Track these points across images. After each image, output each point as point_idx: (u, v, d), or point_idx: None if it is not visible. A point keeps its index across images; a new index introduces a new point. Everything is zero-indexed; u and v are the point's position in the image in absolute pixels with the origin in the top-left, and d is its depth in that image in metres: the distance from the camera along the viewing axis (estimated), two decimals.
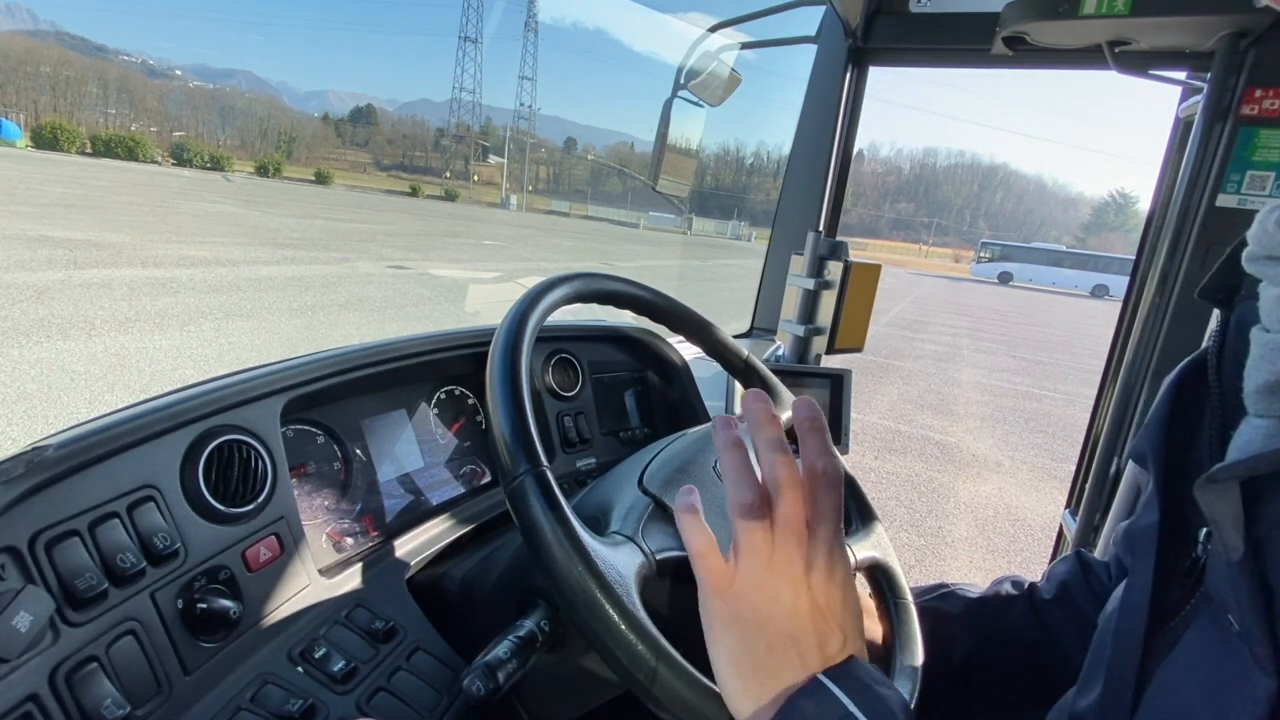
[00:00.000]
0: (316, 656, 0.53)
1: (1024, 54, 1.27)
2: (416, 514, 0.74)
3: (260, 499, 0.56)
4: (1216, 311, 0.50)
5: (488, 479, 0.84)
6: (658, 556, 0.48)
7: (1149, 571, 0.46)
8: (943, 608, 0.71)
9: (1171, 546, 0.46)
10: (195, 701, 0.48)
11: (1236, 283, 0.46)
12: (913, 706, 0.57)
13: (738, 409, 1.17)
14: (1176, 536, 0.45)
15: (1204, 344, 0.49)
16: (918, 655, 0.62)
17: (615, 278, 0.69)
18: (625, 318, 0.85)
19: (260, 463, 0.56)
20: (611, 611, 0.41)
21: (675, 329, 0.76)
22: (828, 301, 1.44)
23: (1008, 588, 0.72)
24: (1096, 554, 1.19)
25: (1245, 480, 0.35)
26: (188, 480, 0.51)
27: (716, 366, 0.79)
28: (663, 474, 0.55)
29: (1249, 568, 0.35)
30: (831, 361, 1.47)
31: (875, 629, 0.68)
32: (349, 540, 0.67)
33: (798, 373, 1.31)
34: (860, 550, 0.66)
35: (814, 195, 1.61)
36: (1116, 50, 1.18)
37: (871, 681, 0.40)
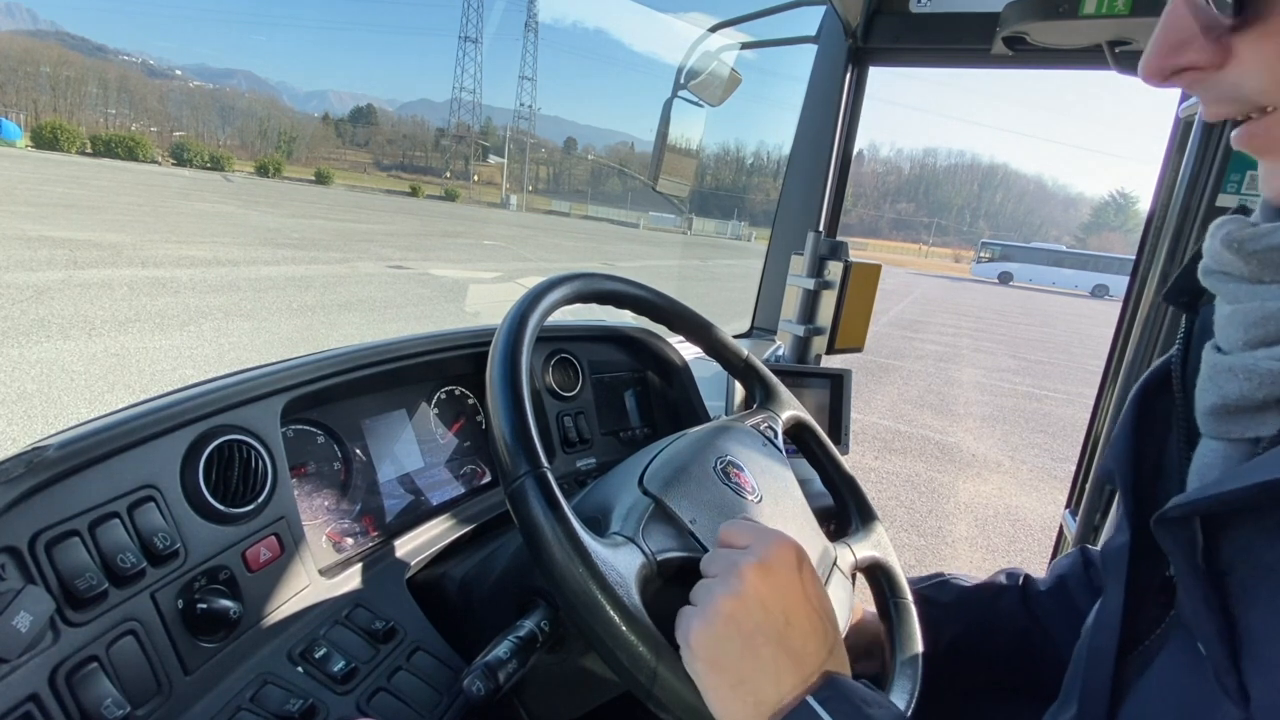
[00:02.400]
0: (316, 656, 0.53)
1: (1024, 54, 1.27)
2: (416, 514, 0.74)
3: (260, 499, 0.56)
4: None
5: (488, 479, 0.84)
6: (658, 557, 0.48)
7: (1120, 592, 0.45)
8: (935, 595, 0.72)
9: (1143, 566, 0.45)
10: (195, 701, 0.48)
11: (1202, 287, 0.45)
12: (913, 708, 0.57)
13: (738, 408, 1.17)
14: (1149, 555, 0.44)
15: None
16: (916, 656, 0.62)
17: (615, 278, 0.69)
18: (625, 318, 0.85)
19: (260, 463, 0.56)
20: (612, 612, 0.41)
21: (675, 329, 0.76)
22: (828, 301, 1.44)
23: (1002, 578, 0.73)
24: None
25: (1208, 513, 0.34)
26: (188, 480, 0.51)
27: (716, 366, 0.79)
28: (663, 474, 0.55)
29: (1212, 599, 0.34)
30: (831, 361, 1.47)
31: (875, 629, 0.68)
32: (349, 540, 0.67)
33: (798, 373, 1.30)
34: (860, 550, 0.66)
35: (814, 195, 1.61)
36: (1117, 50, 1.18)
37: (861, 703, 0.40)
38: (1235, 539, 0.34)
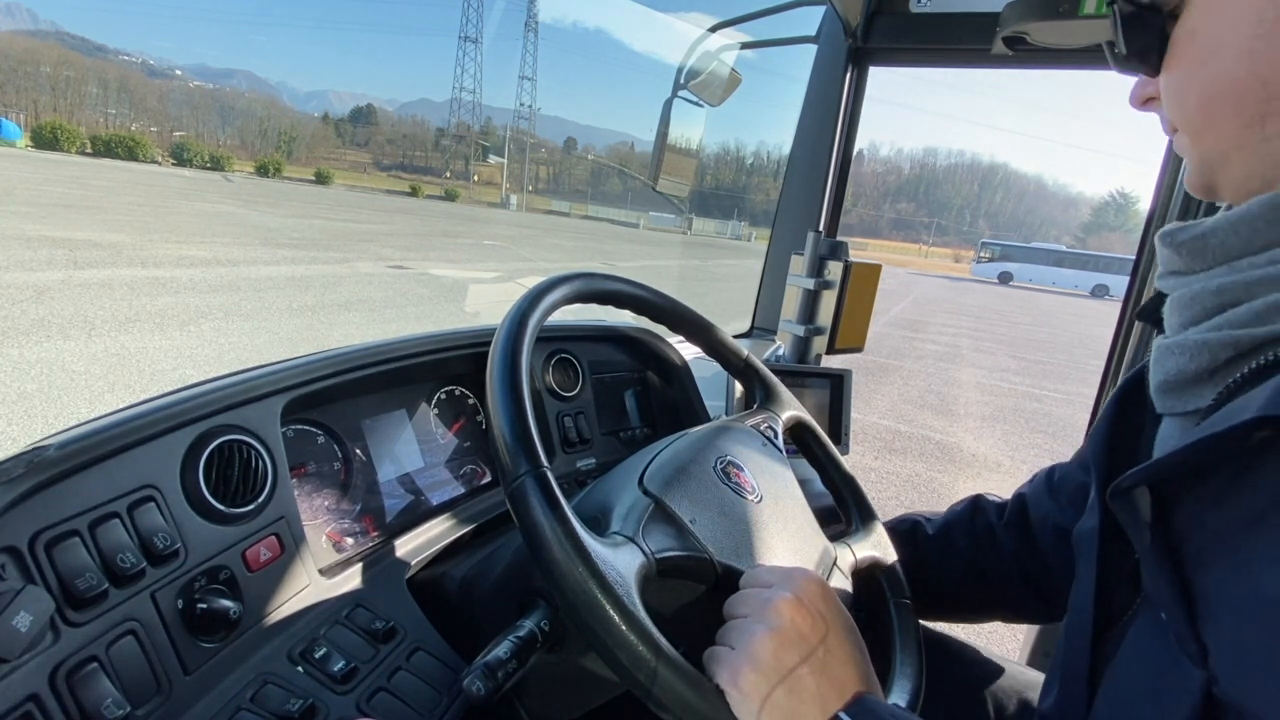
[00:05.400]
0: (316, 656, 0.53)
1: (1024, 54, 1.27)
2: (416, 514, 0.74)
3: (260, 499, 0.56)
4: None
5: (488, 479, 0.84)
6: (658, 556, 0.48)
7: (1092, 574, 0.48)
8: (913, 532, 0.79)
9: (1114, 548, 0.47)
10: (195, 701, 0.48)
11: None
12: (920, 705, 0.58)
13: (738, 408, 1.17)
14: (1118, 537, 0.46)
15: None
16: (916, 656, 0.62)
17: (615, 278, 0.69)
18: (625, 318, 0.85)
19: (260, 463, 0.56)
20: (612, 612, 0.41)
21: (675, 329, 0.76)
22: (828, 301, 1.44)
23: (897, 522, 0.79)
24: None
25: (1158, 484, 0.38)
26: (188, 480, 0.51)
27: (716, 366, 0.79)
28: (663, 474, 0.55)
29: (1168, 566, 0.37)
30: (832, 361, 1.47)
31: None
32: (349, 540, 0.67)
33: (797, 373, 1.30)
34: (860, 550, 0.66)
35: (814, 195, 1.61)
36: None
37: (891, 717, 0.41)
38: (1186, 510, 0.37)
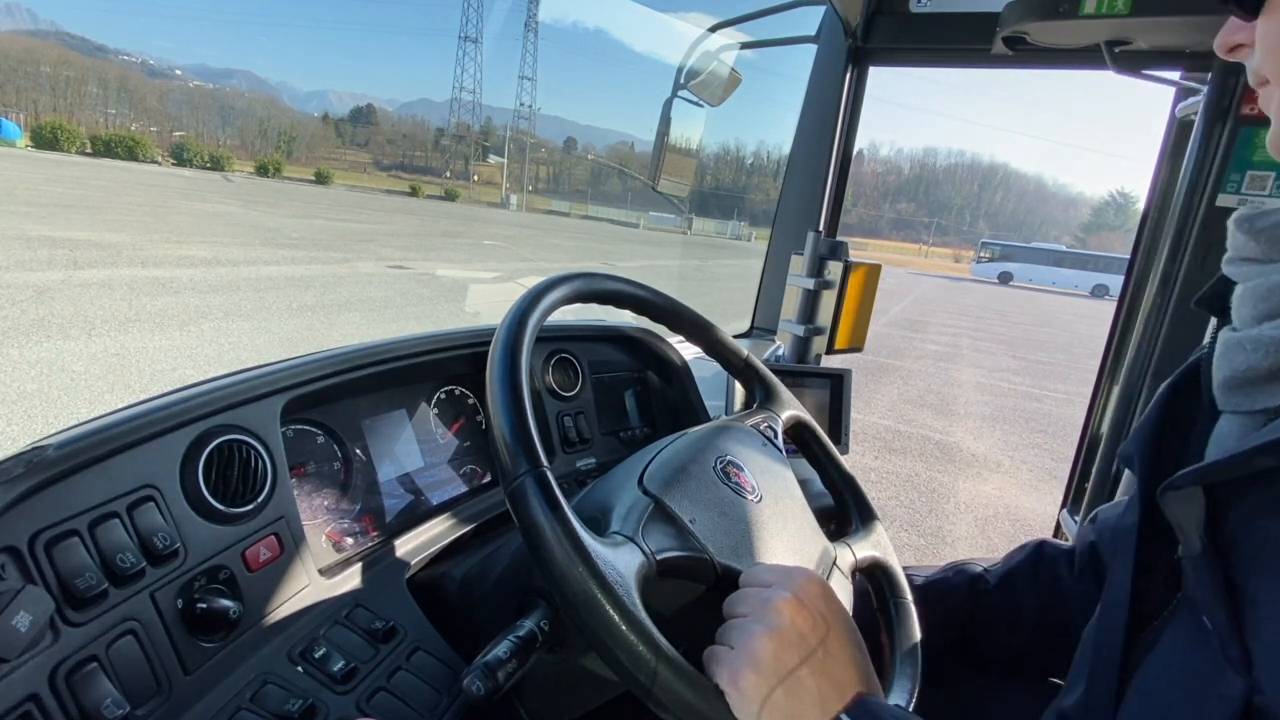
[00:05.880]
0: (316, 656, 0.53)
1: (1024, 54, 1.27)
2: (416, 514, 0.74)
3: (260, 499, 0.56)
4: (1215, 321, 0.50)
5: (488, 479, 0.84)
6: (658, 556, 0.48)
7: (1128, 572, 0.46)
8: (956, 582, 0.75)
9: (1152, 548, 0.46)
10: (195, 701, 0.48)
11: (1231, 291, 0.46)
12: (913, 705, 0.57)
13: (738, 408, 1.17)
14: (1157, 539, 0.45)
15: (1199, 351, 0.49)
16: (916, 656, 0.62)
17: (615, 278, 0.69)
18: (625, 318, 0.85)
19: (260, 463, 0.56)
20: (612, 612, 0.41)
21: (675, 329, 0.76)
22: (828, 301, 1.44)
23: (952, 573, 0.75)
24: None
25: (1211, 485, 0.36)
26: (188, 480, 0.51)
27: (716, 366, 0.79)
28: (663, 474, 0.55)
29: (1217, 569, 0.35)
30: (832, 361, 1.47)
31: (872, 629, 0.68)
32: (349, 540, 0.67)
33: (797, 373, 1.30)
34: (860, 550, 0.66)
35: (814, 195, 1.61)
36: (1116, 50, 1.18)
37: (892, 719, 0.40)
38: (1240, 513, 0.36)
